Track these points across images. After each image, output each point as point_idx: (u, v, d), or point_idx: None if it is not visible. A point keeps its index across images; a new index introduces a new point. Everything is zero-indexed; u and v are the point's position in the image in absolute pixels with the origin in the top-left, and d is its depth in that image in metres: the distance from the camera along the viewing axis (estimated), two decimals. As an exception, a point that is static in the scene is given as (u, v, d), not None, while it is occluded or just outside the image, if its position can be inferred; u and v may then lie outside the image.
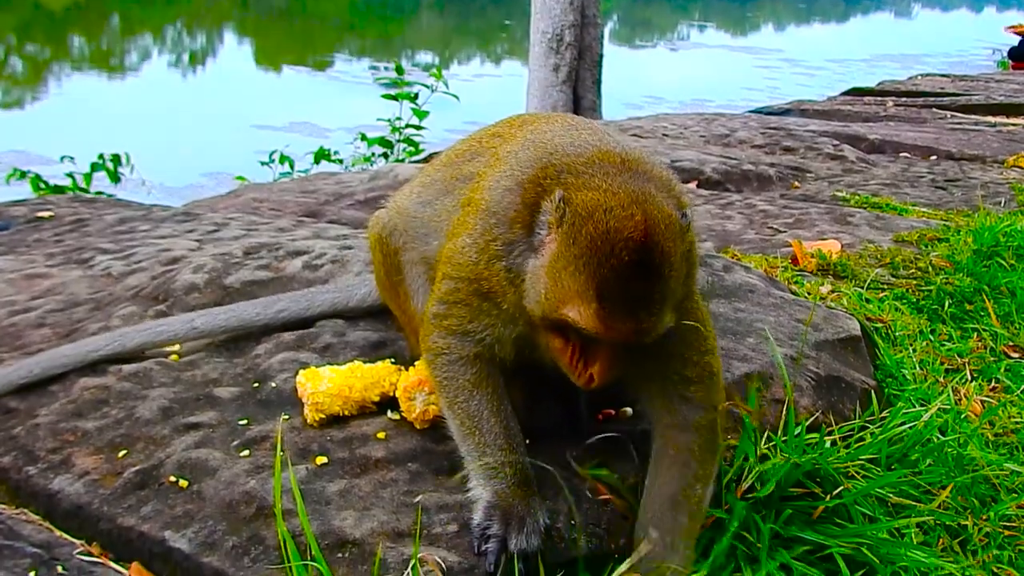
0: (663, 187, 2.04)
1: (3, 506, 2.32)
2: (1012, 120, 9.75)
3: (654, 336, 1.96)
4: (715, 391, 2.24)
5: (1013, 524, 2.59)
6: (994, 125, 9.38)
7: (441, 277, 2.23)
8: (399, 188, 2.82)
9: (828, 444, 2.48)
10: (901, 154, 7.63)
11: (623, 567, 2.01)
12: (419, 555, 1.94)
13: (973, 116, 10.08)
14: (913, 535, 2.43)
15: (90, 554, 2.15)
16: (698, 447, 2.18)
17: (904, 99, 11.34)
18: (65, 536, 2.21)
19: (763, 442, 2.45)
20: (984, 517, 2.60)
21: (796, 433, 2.46)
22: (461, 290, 2.16)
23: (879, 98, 11.58)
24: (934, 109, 10.53)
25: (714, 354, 2.25)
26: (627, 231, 1.87)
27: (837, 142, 7.59)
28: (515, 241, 2.06)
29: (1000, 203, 5.74)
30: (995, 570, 2.44)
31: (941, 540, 2.50)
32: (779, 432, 2.50)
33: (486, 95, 17.33)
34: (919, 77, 15.06)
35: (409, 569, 1.91)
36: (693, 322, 2.14)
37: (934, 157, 7.53)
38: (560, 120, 2.38)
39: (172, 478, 2.24)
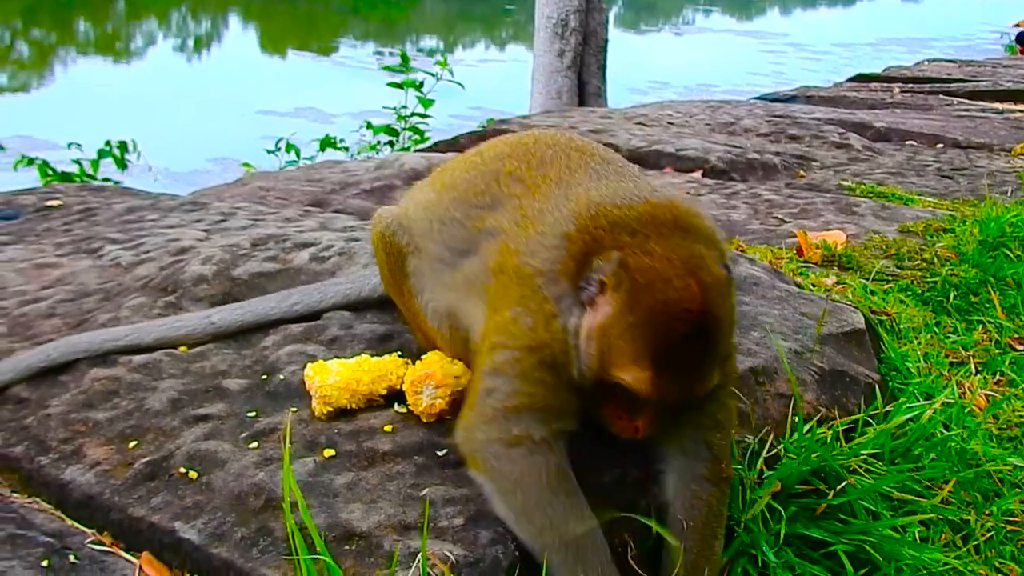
0: (709, 242, 2.04)
1: (16, 495, 2.34)
2: (1020, 107, 9.70)
3: (703, 396, 2.01)
4: (731, 426, 2.27)
5: (1016, 519, 2.61)
6: (1001, 112, 9.34)
7: (490, 348, 2.12)
8: (407, 190, 2.81)
9: (832, 439, 2.50)
10: (907, 142, 7.61)
11: None
12: (425, 552, 1.96)
13: (980, 103, 10.04)
14: (916, 531, 2.44)
15: (101, 544, 2.18)
16: (715, 499, 2.18)
17: (910, 85, 11.29)
18: (77, 525, 2.24)
19: (768, 447, 2.46)
20: (987, 512, 2.61)
21: (805, 431, 2.47)
22: (523, 360, 2.06)
23: (885, 84, 11.53)
24: (940, 96, 10.49)
25: (733, 397, 2.30)
26: (684, 303, 1.90)
27: (843, 130, 7.57)
28: (563, 295, 2.03)
29: (1007, 192, 5.72)
30: (998, 565, 2.46)
31: (944, 535, 2.51)
32: (783, 428, 2.52)
33: (491, 80, 17.34)
34: (926, 62, 14.99)
35: (416, 562, 1.93)
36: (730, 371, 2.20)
37: (940, 145, 7.51)
38: (579, 157, 2.32)
39: (182, 469, 2.27)
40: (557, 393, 2.06)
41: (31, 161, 8.66)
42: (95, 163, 8.97)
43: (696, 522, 2.14)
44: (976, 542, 2.51)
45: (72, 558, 2.10)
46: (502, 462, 2.04)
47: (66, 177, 8.36)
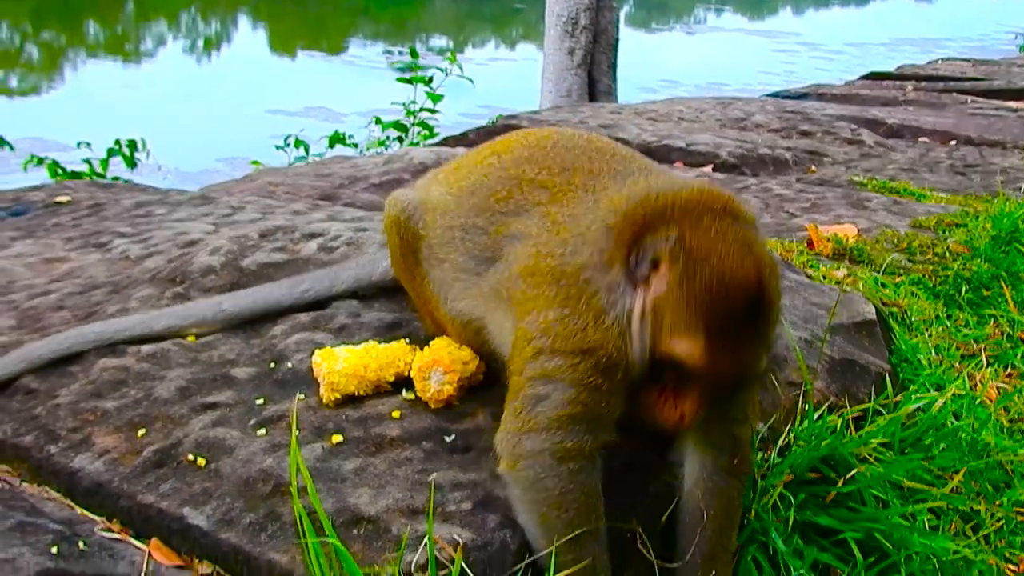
0: (755, 229, 2.04)
1: (25, 484, 2.35)
2: (1033, 105, 9.67)
3: (752, 376, 2.01)
4: (756, 421, 2.27)
5: (1026, 509, 2.60)
6: (1015, 110, 9.31)
7: (535, 353, 2.05)
8: (425, 175, 2.80)
9: (842, 428, 2.49)
10: (920, 139, 7.59)
11: None
12: (433, 537, 1.95)
13: (994, 101, 10.00)
14: (926, 520, 2.43)
15: (110, 531, 2.19)
16: (736, 491, 2.18)
17: (924, 83, 11.25)
18: (86, 513, 2.24)
19: (778, 435, 2.45)
20: (997, 503, 2.60)
21: (816, 418, 2.47)
22: (577, 367, 1.99)
23: (898, 82, 11.49)
24: (954, 94, 10.44)
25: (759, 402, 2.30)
26: (741, 278, 1.88)
27: (855, 126, 7.55)
28: (614, 282, 1.99)
29: (1020, 189, 5.70)
30: (1007, 555, 2.45)
31: (953, 524, 2.51)
32: (794, 416, 2.51)
33: (501, 79, 17.33)
34: (939, 61, 14.93)
35: (423, 545, 1.93)
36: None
37: (953, 142, 7.48)
38: (600, 159, 2.30)
39: (190, 456, 2.27)
40: (609, 398, 2.01)
41: (41, 161, 8.68)
42: (104, 162, 8.99)
43: (715, 512, 2.13)
44: (986, 532, 2.50)
45: (82, 545, 2.10)
46: (548, 476, 1.99)
47: (76, 176, 8.37)
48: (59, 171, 8.62)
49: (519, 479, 2.03)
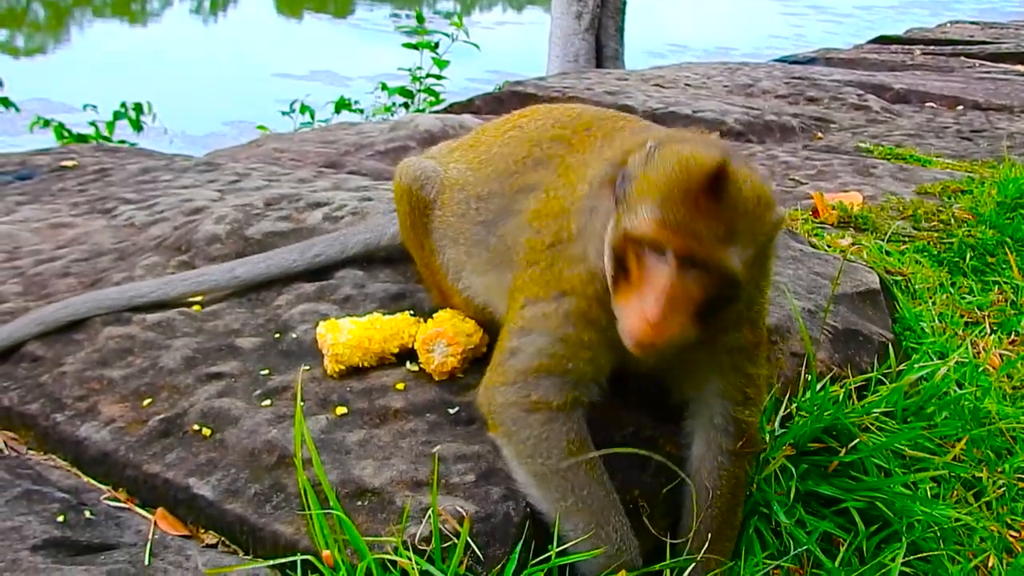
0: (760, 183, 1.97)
1: (32, 452, 2.37)
2: (1042, 69, 9.59)
3: (719, 266, 1.85)
4: (762, 402, 2.24)
5: (1028, 477, 2.61)
6: (1023, 74, 9.24)
7: (521, 305, 2.08)
8: (439, 145, 2.79)
9: (845, 398, 2.49)
10: (927, 104, 7.53)
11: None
12: (437, 508, 1.97)
13: (1002, 65, 9.92)
14: (928, 488, 2.45)
15: (116, 500, 2.21)
16: (741, 470, 2.18)
17: (932, 47, 11.16)
18: (92, 482, 2.26)
19: (781, 405, 2.46)
20: (999, 470, 2.61)
21: (818, 389, 2.47)
22: (551, 315, 2.02)
23: (906, 46, 11.39)
24: (962, 58, 10.36)
25: (765, 381, 2.25)
26: (701, 158, 1.84)
27: (862, 92, 7.50)
28: (600, 207, 1.99)
29: (1026, 154, 5.68)
30: (1009, 522, 2.46)
31: (955, 492, 2.52)
32: (796, 387, 2.52)
33: (508, 44, 17.22)
34: (948, 24, 14.77)
35: (424, 514, 1.94)
36: (754, 340, 2.15)
37: (960, 107, 7.43)
38: (623, 123, 2.31)
39: (196, 426, 2.28)
40: (584, 351, 2.02)
41: (47, 123, 8.67)
42: (111, 125, 8.96)
43: (721, 491, 2.14)
44: (988, 499, 2.52)
45: (88, 514, 2.12)
46: (519, 426, 2.04)
47: (82, 139, 8.35)
48: (65, 133, 8.61)
49: (498, 435, 2.09)
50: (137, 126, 9.22)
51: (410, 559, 1.86)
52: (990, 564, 2.31)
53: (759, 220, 1.90)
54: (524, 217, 2.21)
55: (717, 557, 2.10)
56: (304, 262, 2.92)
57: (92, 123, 8.95)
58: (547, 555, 1.94)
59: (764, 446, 2.29)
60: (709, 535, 2.11)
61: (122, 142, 8.00)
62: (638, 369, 2.12)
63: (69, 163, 4.43)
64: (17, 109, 9.11)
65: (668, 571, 2.05)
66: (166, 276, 2.94)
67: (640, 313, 1.83)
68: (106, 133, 8.88)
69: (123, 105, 9.19)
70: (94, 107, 9.00)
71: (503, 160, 2.38)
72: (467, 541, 1.91)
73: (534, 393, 2.04)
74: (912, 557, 2.20)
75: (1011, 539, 2.42)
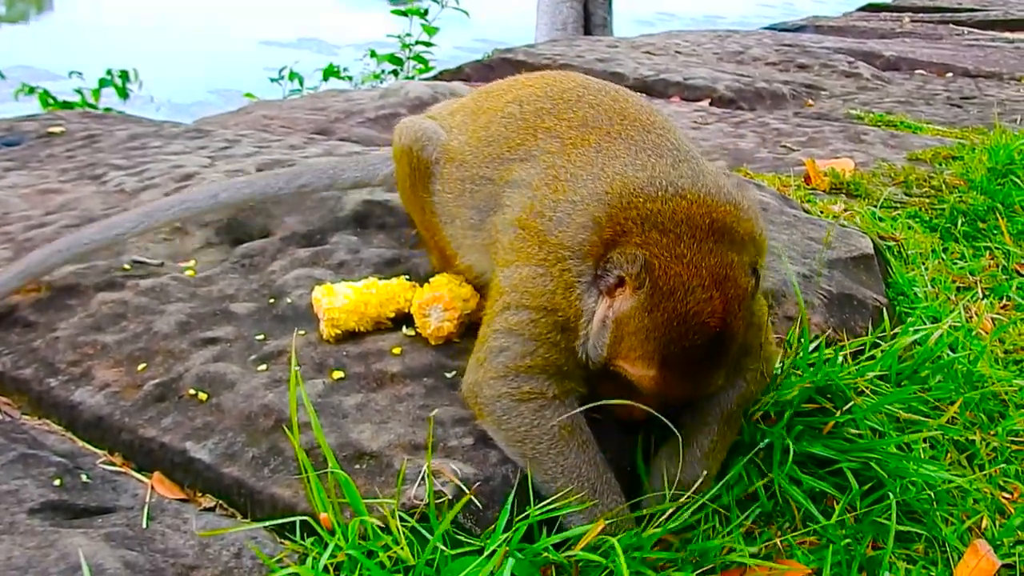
0: (744, 245, 2.00)
1: (26, 417, 2.36)
2: (1031, 36, 9.59)
3: (704, 396, 2.07)
4: (762, 379, 2.25)
5: (1021, 439, 2.62)
6: (1012, 41, 9.24)
7: (503, 306, 2.10)
8: (440, 106, 2.76)
9: (839, 361, 2.50)
10: (916, 71, 7.54)
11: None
12: (434, 466, 1.97)
13: (990, 32, 9.93)
14: (921, 450, 2.46)
15: (112, 464, 2.20)
16: (735, 404, 2.19)
17: (920, 15, 11.15)
18: (87, 446, 2.26)
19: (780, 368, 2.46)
20: (992, 432, 2.63)
21: (811, 350, 2.47)
22: (539, 322, 2.04)
23: (895, 14, 11.40)
24: (951, 25, 10.36)
25: (769, 361, 2.27)
26: (704, 316, 1.89)
27: (852, 59, 7.49)
28: (585, 273, 2.00)
29: (1016, 121, 5.68)
30: (1002, 483, 2.48)
31: (949, 455, 2.53)
32: (792, 350, 2.52)
33: (497, 10, 17.11)
34: (936, -9, 14.76)
35: (421, 476, 1.94)
36: (754, 337, 2.16)
37: (950, 74, 7.44)
38: (621, 124, 2.23)
39: (191, 391, 2.28)
40: (568, 356, 2.04)
41: (32, 90, 8.59)
42: (96, 92, 8.89)
43: (713, 416, 2.16)
44: (981, 462, 2.53)
45: (84, 478, 2.12)
46: (510, 416, 2.04)
47: (67, 106, 8.28)
48: (51, 101, 8.53)
49: (488, 424, 2.09)
50: (123, 94, 9.15)
51: (406, 521, 1.86)
52: (983, 525, 2.32)
53: (748, 320, 2.02)
54: (509, 217, 2.19)
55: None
56: (290, 189, 2.92)
57: (78, 90, 8.87)
58: (527, 512, 1.93)
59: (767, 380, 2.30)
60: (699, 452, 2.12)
61: (108, 110, 7.93)
62: None
63: (57, 129, 4.39)
64: (2, 76, 9.03)
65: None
66: (149, 205, 2.90)
67: (630, 411, 2.02)
68: (92, 101, 8.80)
69: (109, 72, 9.11)
70: (79, 74, 8.92)
71: (498, 143, 2.35)
72: (467, 501, 1.91)
73: (526, 385, 2.05)
74: (907, 522, 2.22)
75: (1004, 501, 2.44)
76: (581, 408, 2.05)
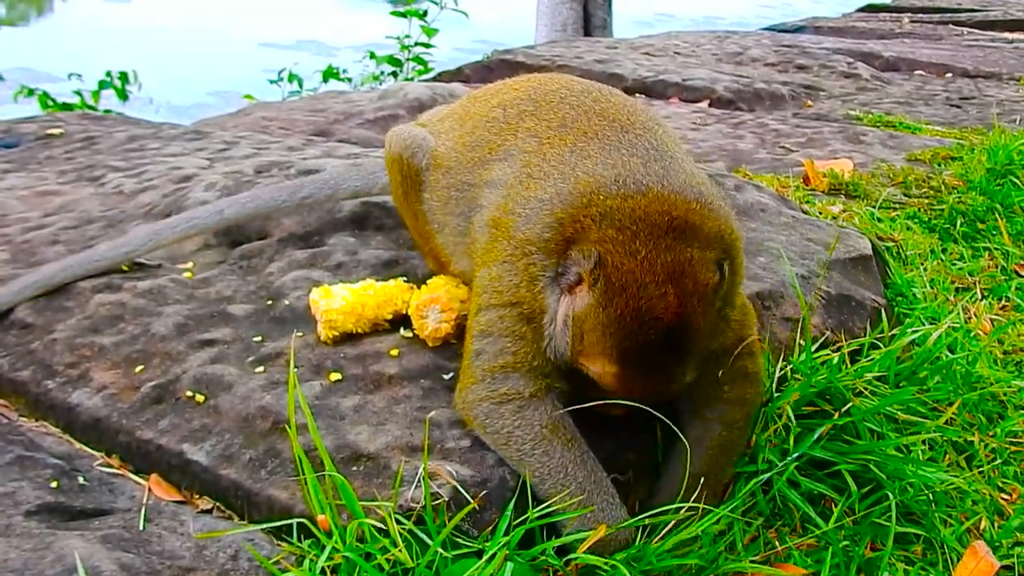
0: (708, 243, 1.96)
1: (23, 419, 2.36)
2: (1030, 37, 9.59)
3: (674, 395, 2.03)
4: (751, 387, 2.21)
5: (1020, 440, 2.62)
6: (1011, 42, 9.24)
7: (477, 310, 2.11)
8: (429, 113, 2.77)
9: (838, 362, 2.50)
10: (916, 72, 7.53)
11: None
12: (431, 468, 1.97)
13: (990, 32, 9.93)
14: (920, 452, 2.46)
15: (110, 466, 2.20)
16: (729, 439, 2.17)
17: (920, 15, 11.15)
18: (85, 448, 2.25)
19: (778, 366, 2.45)
20: (991, 433, 2.62)
21: (812, 353, 2.47)
22: (506, 318, 2.05)
23: (895, 14, 11.40)
24: (950, 25, 10.36)
25: (753, 356, 2.22)
26: (657, 311, 1.87)
27: (851, 60, 7.49)
28: (548, 268, 2.01)
29: (1015, 121, 5.68)
30: (1001, 485, 2.48)
31: (947, 456, 2.53)
32: (791, 351, 2.52)
33: (496, 11, 17.12)
34: (936, -8, 14.76)
35: (418, 478, 1.94)
36: (734, 333, 2.14)
37: (949, 75, 7.44)
38: (599, 124, 2.23)
39: (189, 393, 2.27)
40: (537, 353, 2.04)
41: (31, 92, 8.59)
42: (96, 94, 8.90)
43: (703, 448, 2.13)
44: (979, 463, 2.53)
45: (81, 480, 2.11)
46: (492, 419, 2.05)
47: (67, 108, 8.30)
48: (50, 103, 8.53)
49: (476, 429, 2.09)
50: (123, 95, 9.16)
51: (403, 523, 1.85)
52: (982, 526, 2.32)
53: (714, 319, 1.99)
54: (485, 216, 2.22)
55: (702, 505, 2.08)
56: (293, 202, 2.92)
57: (77, 92, 8.87)
58: (527, 516, 1.93)
59: (765, 395, 2.28)
60: (700, 480, 2.08)
61: (107, 111, 7.93)
62: None
63: (55, 131, 4.38)
64: (1, 78, 9.03)
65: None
66: (155, 224, 2.91)
67: (608, 407, 1.99)
68: (91, 102, 8.81)
69: (108, 74, 9.12)
70: (79, 76, 8.93)
71: (481, 147, 2.36)
72: (464, 505, 1.91)
73: (503, 387, 2.05)
74: (906, 523, 2.21)
75: (1002, 502, 2.44)
76: (565, 410, 2.04)
